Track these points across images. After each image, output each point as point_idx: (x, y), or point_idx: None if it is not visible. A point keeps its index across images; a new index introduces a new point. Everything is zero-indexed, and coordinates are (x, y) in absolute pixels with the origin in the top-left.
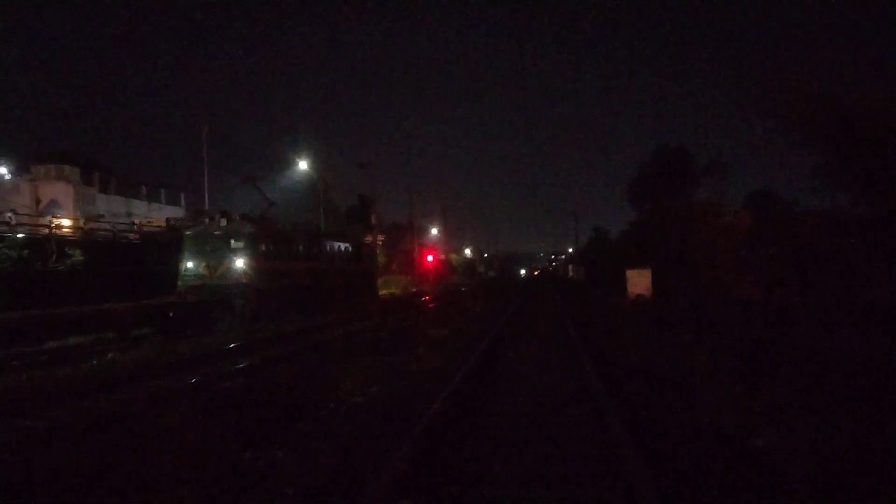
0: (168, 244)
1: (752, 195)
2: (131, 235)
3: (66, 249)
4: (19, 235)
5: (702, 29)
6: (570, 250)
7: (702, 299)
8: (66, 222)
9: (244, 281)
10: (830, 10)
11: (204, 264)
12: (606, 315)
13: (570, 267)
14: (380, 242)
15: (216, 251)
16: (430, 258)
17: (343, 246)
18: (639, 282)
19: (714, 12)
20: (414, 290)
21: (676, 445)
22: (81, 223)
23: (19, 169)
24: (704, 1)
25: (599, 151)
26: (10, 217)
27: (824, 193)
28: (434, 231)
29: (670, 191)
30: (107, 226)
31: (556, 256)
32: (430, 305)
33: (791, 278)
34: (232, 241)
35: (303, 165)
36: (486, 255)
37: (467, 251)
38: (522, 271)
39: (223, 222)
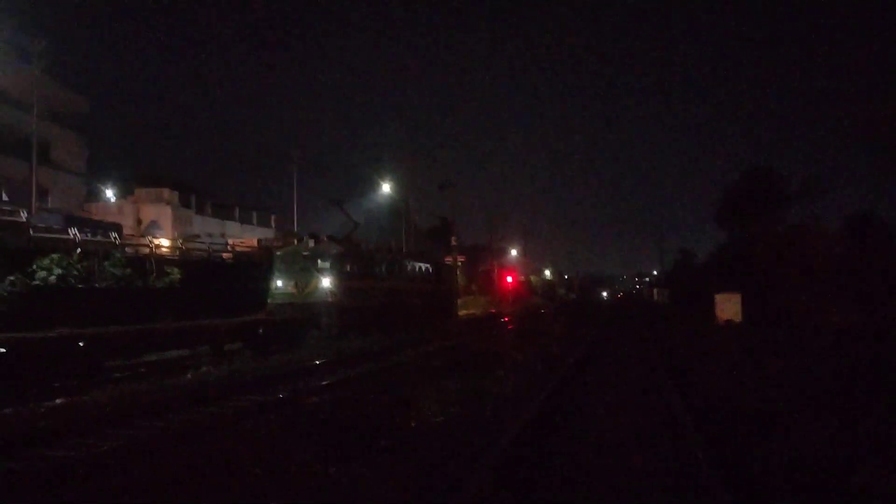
0: (259, 263)
1: (849, 218)
2: (225, 255)
3: (165, 268)
4: (123, 253)
5: (797, 45)
6: (655, 273)
7: (796, 325)
8: (164, 242)
9: (330, 300)
10: None
11: (293, 283)
12: (694, 341)
13: (655, 290)
14: (460, 263)
15: (304, 270)
16: (509, 279)
17: (424, 266)
18: (728, 307)
19: (809, 29)
20: (493, 311)
21: (770, 483)
22: (179, 243)
23: (123, 192)
24: (800, 20)
25: (686, 171)
26: (114, 237)
27: None
28: (514, 252)
29: (760, 213)
30: (202, 245)
31: (639, 279)
32: (510, 327)
33: (892, 303)
34: (319, 261)
35: (386, 188)
36: (566, 277)
37: (547, 272)
38: (605, 293)
39: (311, 243)
